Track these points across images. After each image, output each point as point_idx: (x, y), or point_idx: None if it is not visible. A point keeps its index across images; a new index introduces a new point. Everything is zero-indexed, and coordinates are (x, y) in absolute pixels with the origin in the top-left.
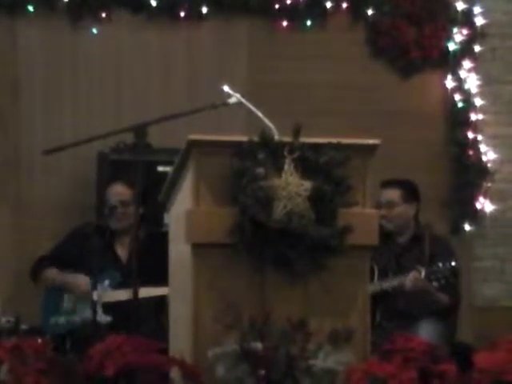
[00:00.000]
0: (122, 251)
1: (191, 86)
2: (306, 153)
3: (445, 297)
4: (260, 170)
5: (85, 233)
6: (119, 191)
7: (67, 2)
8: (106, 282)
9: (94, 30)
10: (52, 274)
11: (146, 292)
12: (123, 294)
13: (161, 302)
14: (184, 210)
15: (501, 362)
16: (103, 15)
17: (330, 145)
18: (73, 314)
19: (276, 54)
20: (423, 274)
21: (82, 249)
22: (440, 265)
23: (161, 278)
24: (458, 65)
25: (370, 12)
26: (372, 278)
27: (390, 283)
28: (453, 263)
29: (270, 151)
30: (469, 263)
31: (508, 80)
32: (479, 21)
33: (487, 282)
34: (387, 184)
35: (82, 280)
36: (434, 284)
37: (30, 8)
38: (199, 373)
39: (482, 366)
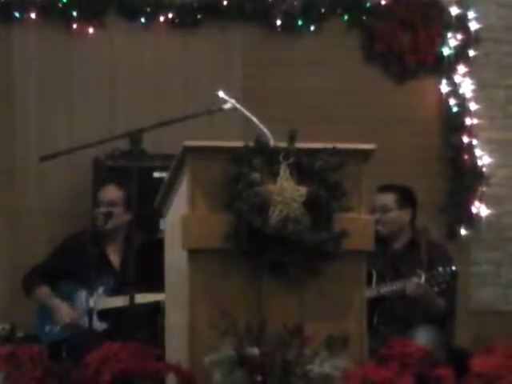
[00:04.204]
0: (114, 257)
1: (186, 91)
2: (301, 158)
3: (442, 302)
4: (255, 176)
5: (78, 242)
6: (109, 191)
7: (62, 8)
8: (101, 289)
9: (89, 36)
10: (42, 294)
11: (141, 298)
12: (118, 301)
13: (156, 308)
14: (180, 216)
15: (497, 366)
16: (98, 21)
17: (325, 150)
18: None
19: (271, 59)
20: (423, 278)
21: (76, 258)
22: (440, 269)
23: (156, 284)
24: (453, 70)
25: (364, 18)
26: (370, 283)
27: (388, 288)
28: (453, 267)
29: (266, 157)
30: (465, 267)
31: (502, 84)
32: (473, 26)
33: (483, 286)
34: (383, 189)
35: (65, 314)
36: (435, 289)
37: (25, 13)
38: (195, 379)
39: (479, 371)
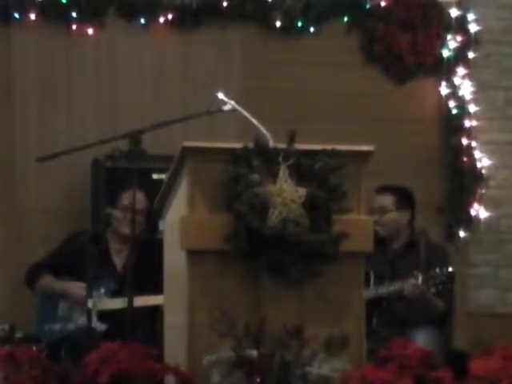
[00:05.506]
0: (117, 259)
1: (186, 92)
2: (300, 159)
3: (441, 303)
4: (255, 177)
5: (81, 240)
6: (139, 199)
7: (62, 9)
8: (102, 290)
9: (89, 37)
10: (48, 281)
11: (141, 301)
12: (119, 302)
13: (156, 309)
14: (179, 217)
15: (495, 368)
16: (98, 22)
17: (324, 151)
18: (68, 321)
19: (271, 60)
20: (420, 279)
21: (78, 256)
22: (437, 270)
23: (156, 285)
24: (452, 71)
25: (364, 19)
26: (368, 284)
27: (386, 289)
28: (450, 269)
29: (265, 158)
30: (463, 269)
31: (502, 86)
32: (473, 27)
33: (481, 288)
34: (381, 190)
35: (77, 287)
36: (432, 290)
37: (25, 14)
38: (194, 379)
39: (477, 373)
